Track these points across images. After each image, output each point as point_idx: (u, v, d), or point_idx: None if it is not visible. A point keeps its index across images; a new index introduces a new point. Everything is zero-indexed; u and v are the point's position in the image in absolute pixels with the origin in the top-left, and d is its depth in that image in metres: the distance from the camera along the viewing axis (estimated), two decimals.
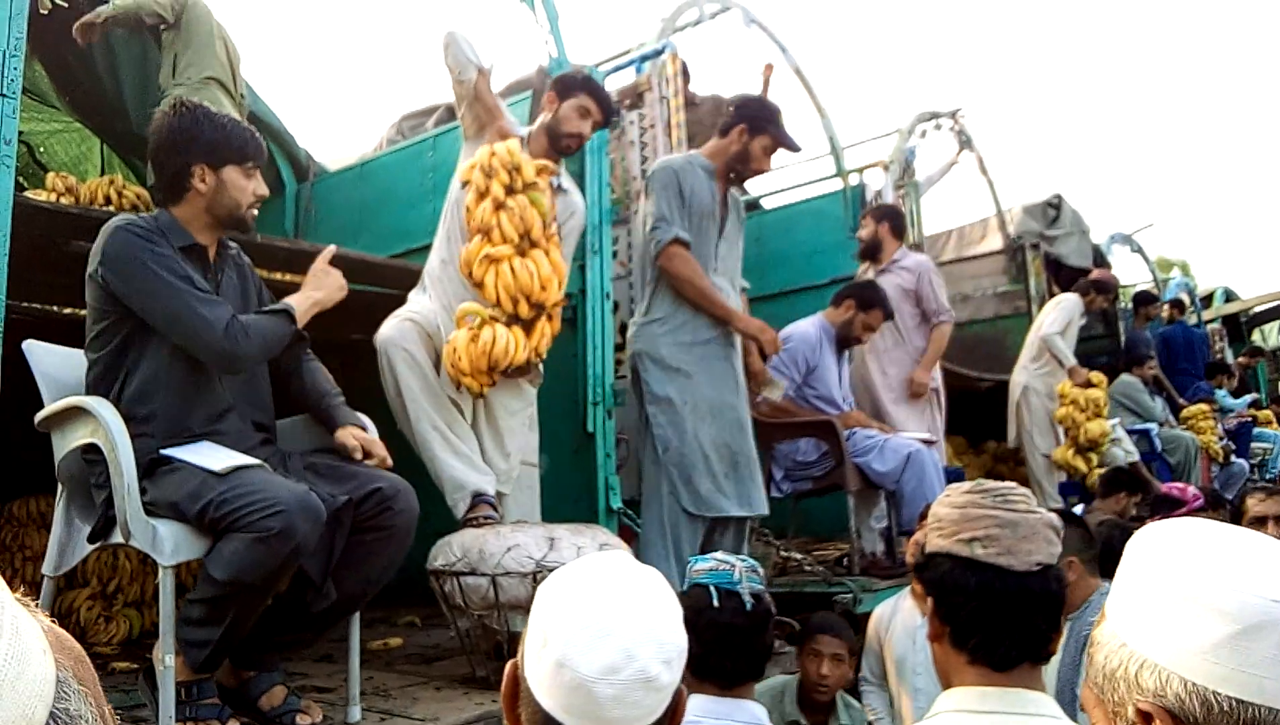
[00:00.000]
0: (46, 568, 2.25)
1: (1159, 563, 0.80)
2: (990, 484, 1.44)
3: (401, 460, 3.27)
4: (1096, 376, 6.27)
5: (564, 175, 3.41)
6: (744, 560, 2.04)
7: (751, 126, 3.63)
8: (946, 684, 1.39)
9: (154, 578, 3.15)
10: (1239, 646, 0.72)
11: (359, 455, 2.32)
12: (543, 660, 1.03)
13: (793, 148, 3.72)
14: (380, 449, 2.36)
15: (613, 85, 4.84)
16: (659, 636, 1.06)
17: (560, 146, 3.28)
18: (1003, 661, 1.33)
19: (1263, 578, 0.74)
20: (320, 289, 2.48)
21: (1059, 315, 6.36)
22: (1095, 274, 6.95)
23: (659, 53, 4.69)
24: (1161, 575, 0.78)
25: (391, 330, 3.07)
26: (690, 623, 1.14)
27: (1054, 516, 1.44)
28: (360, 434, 2.39)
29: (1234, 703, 0.71)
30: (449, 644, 3.11)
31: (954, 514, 1.40)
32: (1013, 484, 1.46)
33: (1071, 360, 6.26)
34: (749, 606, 1.92)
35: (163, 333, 2.20)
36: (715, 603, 1.92)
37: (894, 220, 5.25)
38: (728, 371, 3.62)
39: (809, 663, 2.98)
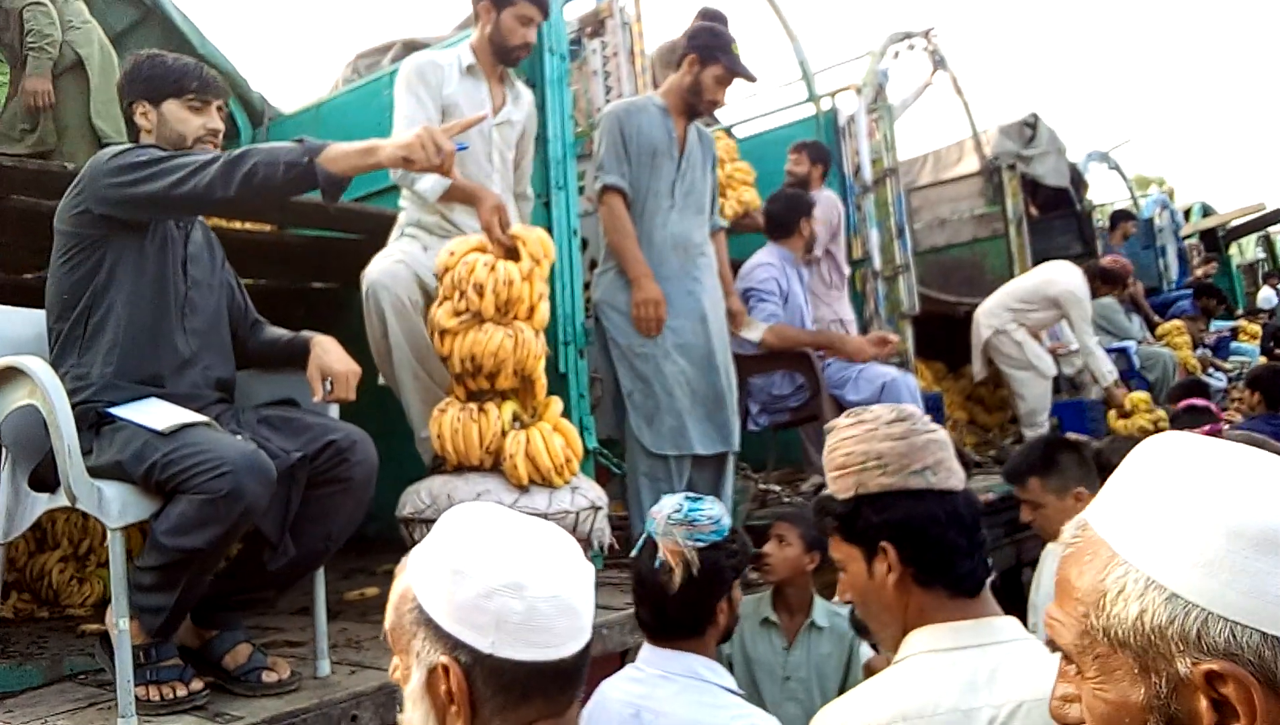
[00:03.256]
0: None
1: (1209, 500, 0.66)
2: (908, 409, 1.38)
3: (372, 406, 3.24)
4: (1138, 397, 6.01)
5: (512, 79, 3.37)
6: (688, 509, 1.97)
7: (702, 56, 3.51)
8: (902, 630, 1.33)
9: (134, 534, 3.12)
10: None
11: (318, 397, 2.24)
12: (513, 613, 1.02)
13: (747, 77, 3.59)
14: (341, 379, 2.26)
15: (572, 14, 4.70)
16: (564, 538, 1.13)
17: (510, 60, 3.22)
18: (976, 585, 1.31)
19: None
20: (384, 142, 2.15)
21: (1081, 313, 5.91)
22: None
23: None
24: (1219, 516, 0.65)
25: (381, 273, 2.98)
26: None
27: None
28: (325, 366, 2.28)
29: None
30: None
31: (899, 447, 1.33)
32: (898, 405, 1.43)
33: (1108, 378, 6.01)
34: (657, 563, 1.88)
35: (162, 208, 2.13)
36: (638, 552, 1.89)
37: (826, 164, 5.16)
38: (692, 307, 3.53)
39: (762, 557, 2.95)
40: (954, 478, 1.32)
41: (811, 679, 2.92)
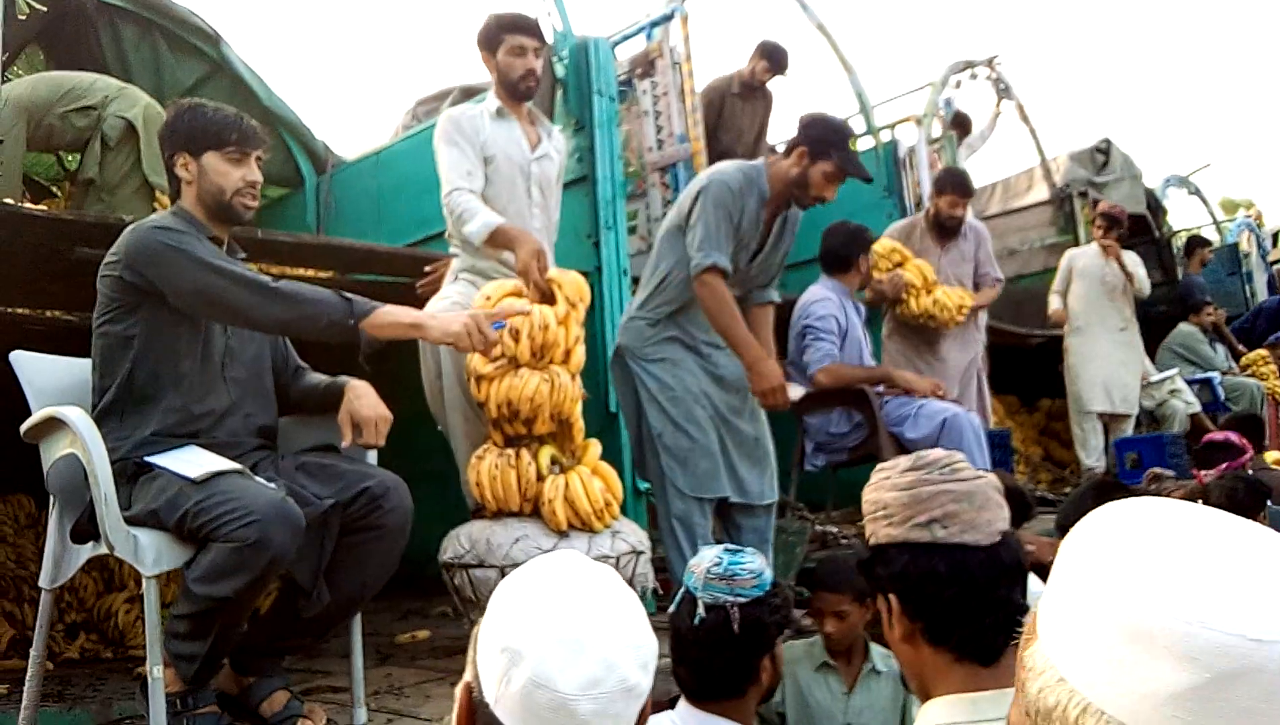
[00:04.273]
0: (42, 580, 2.24)
1: (1100, 579, 0.62)
2: (932, 455, 1.30)
3: (424, 449, 3.26)
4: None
5: (541, 118, 3.37)
6: (728, 563, 1.90)
7: (814, 151, 3.32)
8: (924, 692, 1.26)
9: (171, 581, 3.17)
10: (1209, 698, 0.54)
11: (347, 442, 2.25)
12: (511, 681, 0.95)
13: (862, 176, 3.49)
14: (369, 425, 2.25)
15: (623, 54, 4.73)
16: (633, 640, 0.99)
17: (520, 95, 3.22)
18: (991, 652, 1.21)
19: (1239, 605, 0.55)
20: (433, 320, 2.32)
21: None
22: (1101, 206, 6.54)
23: (669, 18, 4.55)
24: (1103, 598, 0.60)
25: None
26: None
27: (994, 477, 1.31)
28: (354, 411, 2.28)
29: None
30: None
31: (902, 497, 1.27)
32: (943, 451, 1.33)
33: (1057, 305, 6.07)
34: (697, 619, 1.81)
35: (190, 308, 2.18)
36: (676, 607, 1.83)
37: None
38: (706, 377, 3.46)
39: (817, 621, 2.86)
40: (971, 532, 1.23)
41: (873, 724, 2.82)
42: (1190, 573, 0.58)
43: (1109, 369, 5.96)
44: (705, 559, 1.95)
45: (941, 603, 1.23)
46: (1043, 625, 0.66)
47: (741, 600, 1.87)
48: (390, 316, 2.21)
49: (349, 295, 2.22)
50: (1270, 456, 5.24)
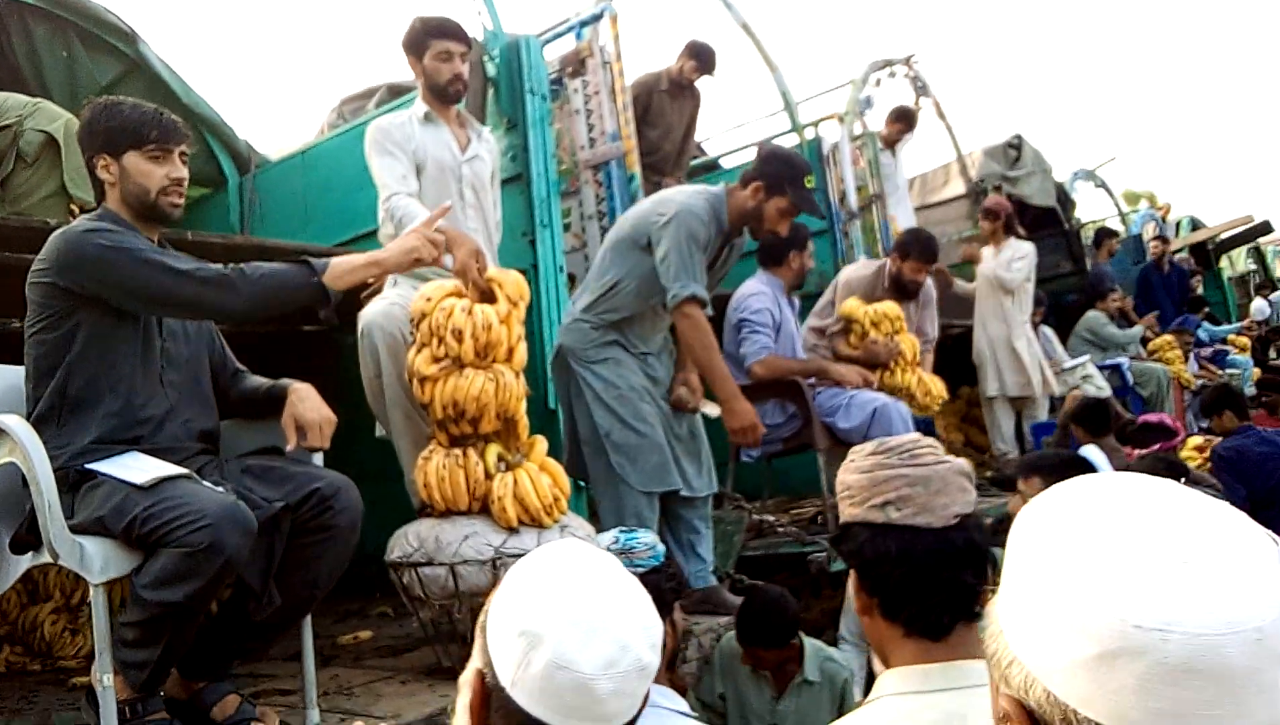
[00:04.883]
0: None
1: (1038, 553, 0.70)
2: (895, 441, 1.37)
3: (366, 449, 3.24)
4: None
5: (470, 119, 3.39)
6: (625, 540, 2.15)
7: (769, 186, 3.39)
8: (884, 660, 1.34)
9: (120, 588, 3.10)
10: (1099, 670, 0.63)
11: (291, 445, 2.24)
12: (531, 664, 0.98)
13: (815, 213, 3.55)
14: (313, 428, 2.26)
15: (552, 54, 4.74)
16: (643, 622, 1.04)
17: (448, 98, 3.25)
18: (938, 629, 1.28)
19: (1132, 594, 0.63)
20: (387, 251, 2.38)
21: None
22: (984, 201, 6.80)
23: (598, 17, 4.58)
24: (1038, 570, 0.69)
25: (378, 314, 3.01)
26: None
27: (964, 462, 1.38)
28: (298, 414, 2.28)
29: None
30: (418, 634, 3.06)
31: (862, 479, 1.34)
32: (917, 436, 1.40)
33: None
34: None
35: (139, 309, 2.16)
36: None
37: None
38: (645, 377, 3.53)
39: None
40: (924, 514, 1.29)
41: None
42: (1102, 555, 0.66)
43: (1003, 355, 6.17)
44: (605, 539, 2.21)
45: (892, 581, 1.30)
46: (1002, 581, 0.74)
47: (640, 570, 1.99)
48: (347, 264, 2.25)
49: (303, 257, 2.24)
50: (1193, 441, 5.51)
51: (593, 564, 1.08)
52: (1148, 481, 0.72)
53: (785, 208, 3.41)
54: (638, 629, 1.03)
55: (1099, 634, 0.63)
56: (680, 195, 3.47)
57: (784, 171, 3.41)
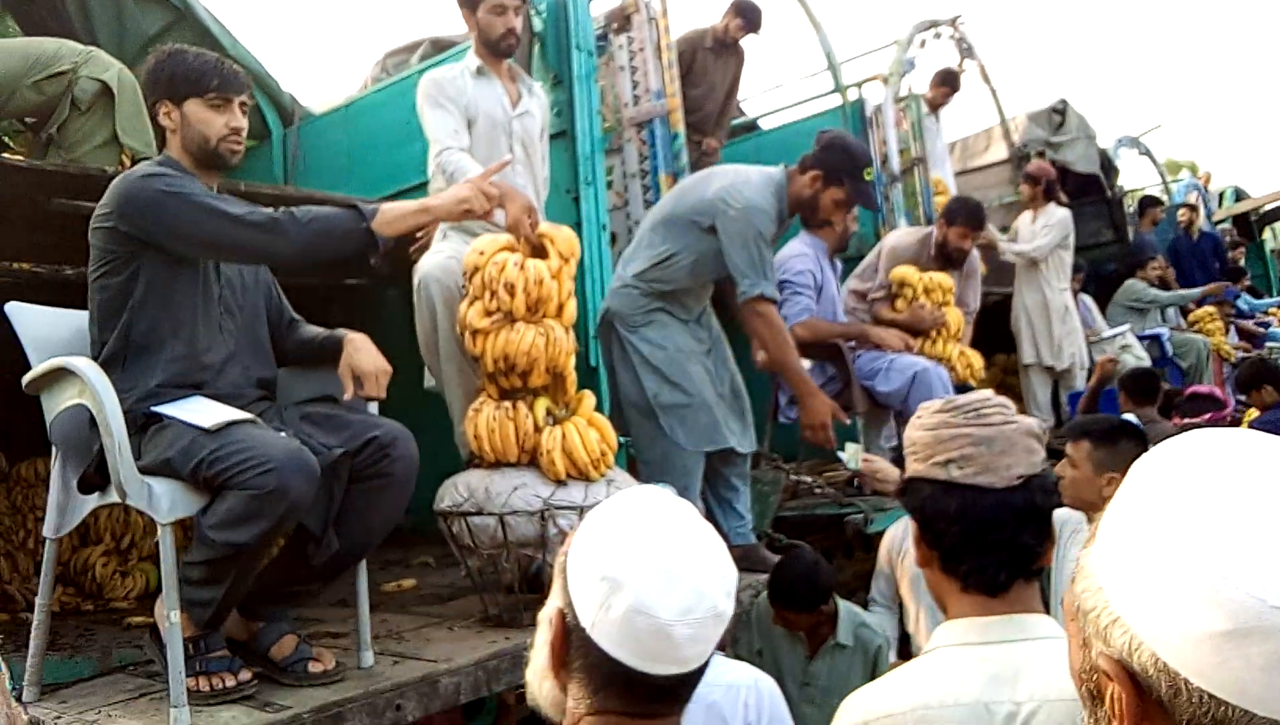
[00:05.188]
0: (47, 530, 2.25)
1: (1159, 511, 0.66)
2: (963, 399, 1.38)
3: (409, 402, 3.27)
4: None
5: (522, 74, 3.39)
6: None
7: (827, 176, 3.40)
8: (943, 609, 1.36)
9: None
10: (1225, 646, 0.61)
11: (349, 394, 2.28)
12: (612, 608, 1.02)
13: (871, 207, 3.54)
14: (370, 378, 2.28)
15: (598, 10, 4.71)
16: (719, 570, 1.07)
17: (500, 51, 3.24)
18: (995, 586, 1.30)
19: (1272, 573, 0.60)
20: (438, 199, 2.39)
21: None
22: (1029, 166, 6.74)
23: None
24: (1159, 530, 0.66)
25: (435, 267, 3.02)
26: None
27: (1034, 422, 1.38)
28: (355, 364, 2.30)
29: (1207, 697, 0.62)
30: (463, 583, 3.11)
31: (926, 437, 1.35)
32: (988, 394, 1.40)
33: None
34: None
35: (194, 253, 2.19)
36: None
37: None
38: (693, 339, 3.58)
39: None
40: (986, 474, 1.30)
41: (832, 688, 2.97)
42: (1240, 523, 0.63)
43: (1040, 324, 6.14)
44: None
45: (950, 538, 1.31)
46: (1100, 540, 0.72)
47: None
48: (397, 210, 2.26)
49: (353, 200, 2.26)
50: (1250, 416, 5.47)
51: (671, 512, 1.11)
52: None
53: (841, 199, 3.44)
54: (714, 577, 1.05)
55: (1232, 610, 0.61)
56: (749, 188, 3.45)
57: (844, 162, 3.42)
